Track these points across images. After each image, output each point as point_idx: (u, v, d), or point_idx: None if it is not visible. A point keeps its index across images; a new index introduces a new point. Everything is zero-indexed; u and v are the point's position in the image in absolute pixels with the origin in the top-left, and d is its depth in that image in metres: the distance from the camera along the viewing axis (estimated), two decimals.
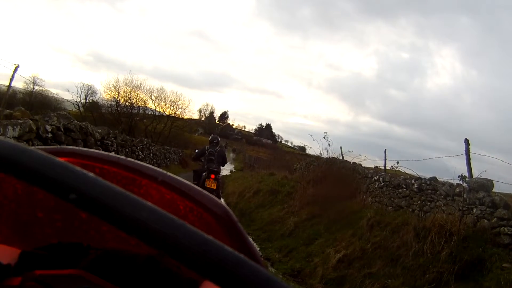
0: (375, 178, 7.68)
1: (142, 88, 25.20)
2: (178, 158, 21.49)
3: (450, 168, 7.05)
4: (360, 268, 4.88)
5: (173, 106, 26.46)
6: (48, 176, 0.27)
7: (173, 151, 20.82)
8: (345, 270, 4.98)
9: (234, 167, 29.68)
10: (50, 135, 6.45)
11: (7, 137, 5.14)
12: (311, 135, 9.56)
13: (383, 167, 8.29)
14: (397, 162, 7.38)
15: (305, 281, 5.12)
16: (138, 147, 14.11)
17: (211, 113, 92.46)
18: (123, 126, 20.68)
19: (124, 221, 0.27)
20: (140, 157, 13.87)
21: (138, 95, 25.09)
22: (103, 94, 26.35)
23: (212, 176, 6.17)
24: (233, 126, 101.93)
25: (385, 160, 8.17)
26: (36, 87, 27.59)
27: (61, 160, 0.29)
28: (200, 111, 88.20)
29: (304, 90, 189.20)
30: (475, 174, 5.34)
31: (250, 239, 0.59)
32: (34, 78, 27.46)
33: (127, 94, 24.49)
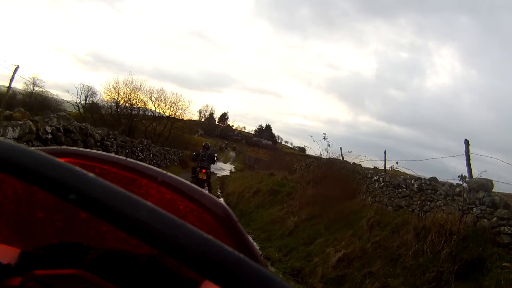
0: (375, 178, 7.69)
1: (142, 89, 25.25)
2: (178, 159, 21.49)
3: (450, 168, 7.07)
4: (360, 267, 4.89)
5: (173, 107, 26.51)
6: (48, 176, 0.27)
7: (173, 152, 20.82)
8: (345, 269, 4.98)
9: (234, 167, 29.68)
10: (50, 136, 6.46)
11: (7, 138, 5.14)
12: (311, 136, 9.59)
13: (383, 167, 8.29)
14: (397, 162, 7.41)
15: (305, 280, 5.12)
16: (138, 148, 14.11)
17: (211, 114, 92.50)
18: (123, 127, 20.71)
19: (124, 221, 0.27)
20: (140, 158, 13.88)
21: (138, 96, 25.12)
22: (103, 95, 26.37)
23: (203, 171, 9.00)
24: (233, 127, 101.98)
25: (385, 160, 8.18)
26: (36, 88, 27.64)
27: (61, 160, 0.29)
28: (200, 112, 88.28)
29: (303, 90, 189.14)
30: (475, 174, 5.35)
31: (250, 238, 0.59)
32: (34, 79, 27.52)
33: (127, 95, 24.53)
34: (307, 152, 30.14)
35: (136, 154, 13.61)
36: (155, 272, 0.50)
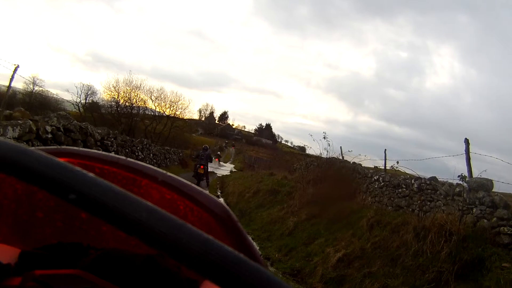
0: (375, 178, 7.69)
1: (142, 88, 25.23)
2: (178, 159, 21.46)
3: (450, 168, 7.07)
4: (360, 267, 4.89)
5: (173, 107, 26.48)
6: (48, 176, 0.27)
7: (173, 152, 20.81)
8: (345, 269, 4.98)
9: (234, 167, 29.66)
10: (50, 135, 6.46)
11: (7, 137, 5.14)
12: (311, 135, 9.60)
13: (383, 167, 8.29)
14: (397, 162, 7.38)
15: (305, 280, 5.12)
16: (138, 148, 14.11)
17: (211, 113, 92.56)
18: (123, 127, 20.70)
19: (124, 221, 0.27)
20: (140, 157, 13.88)
21: (138, 96, 25.11)
22: (103, 94, 26.37)
23: (201, 167, 11.96)
24: (233, 126, 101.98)
25: (385, 160, 8.18)
26: (36, 88, 27.57)
27: (61, 160, 0.29)
28: (200, 111, 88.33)
29: (303, 89, 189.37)
30: (475, 173, 5.34)
31: (250, 238, 0.59)
32: (34, 78, 27.43)
33: (127, 95, 24.52)
34: (307, 152, 30.12)
35: (136, 154, 13.61)
36: (155, 272, 0.50)
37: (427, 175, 6.35)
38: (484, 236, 4.46)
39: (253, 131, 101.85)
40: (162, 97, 26.29)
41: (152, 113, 27.10)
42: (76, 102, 26.72)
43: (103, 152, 0.60)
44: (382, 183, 7.32)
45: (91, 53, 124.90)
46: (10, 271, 0.46)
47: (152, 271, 0.50)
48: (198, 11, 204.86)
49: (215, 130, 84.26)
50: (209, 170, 12.90)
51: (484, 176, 5.06)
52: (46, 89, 29.30)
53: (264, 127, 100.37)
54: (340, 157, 9.74)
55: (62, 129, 7.01)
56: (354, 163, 9.05)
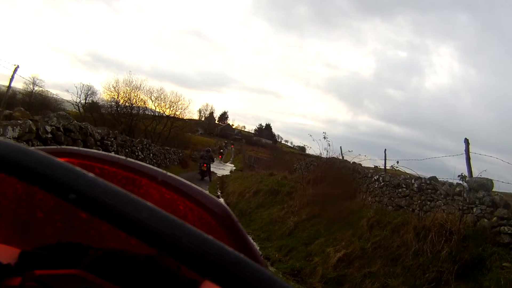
0: (375, 177, 7.69)
1: (141, 88, 25.18)
2: (178, 159, 21.48)
3: (450, 168, 7.07)
4: (360, 267, 4.89)
5: (173, 107, 26.44)
6: (48, 176, 0.27)
7: (173, 152, 20.80)
8: (345, 269, 4.99)
9: (234, 167, 29.66)
10: (50, 135, 6.45)
11: (7, 137, 5.14)
12: (310, 135, 9.57)
13: (383, 167, 8.29)
14: (397, 162, 7.38)
15: (305, 280, 5.12)
16: (138, 148, 14.11)
17: (211, 113, 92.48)
18: (123, 127, 20.65)
19: (124, 221, 0.27)
20: (140, 157, 13.88)
21: (138, 96, 25.07)
22: (103, 94, 26.35)
23: (205, 165, 15.56)
24: (233, 126, 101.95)
25: (385, 159, 8.17)
26: (36, 88, 27.62)
27: (61, 160, 0.29)
28: (200, 111, 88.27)
29: (302, 89, 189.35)
30: (475, 173, 5.34)
31: (250, 238, 0.59)
32: (33, 78, 27.50)
33: (127, 95, 24.48)
34: (307, 152, 30.13)
35: (136, 154, 13.61)
36: (154, 272, 0.50)
37: (427, 175, 6.35)
38: (484, 235, 4.46)
39: (253, 131, 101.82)
40: (162, 97, 26.29)
41: (152, 113, 27.10)
42: (76, 102, 26.74)
43: (103, 152, 0.60)
44: (382, 183, 7.32)
45: (90, 53, 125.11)
46: (10, 271, 0.46)
47: (152, 271, 0.50)
48: (197, 11, 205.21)
49: (215, 130, 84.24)
50: (210, 170, 16.33)
51: (484, 175, 5.06)
52: (46, 89, 29.40)
53: (264, 127, 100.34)
54: (340, 157, 9.74)
55: (62, 129, 7.01)
56: (354, 163, 9.05)
